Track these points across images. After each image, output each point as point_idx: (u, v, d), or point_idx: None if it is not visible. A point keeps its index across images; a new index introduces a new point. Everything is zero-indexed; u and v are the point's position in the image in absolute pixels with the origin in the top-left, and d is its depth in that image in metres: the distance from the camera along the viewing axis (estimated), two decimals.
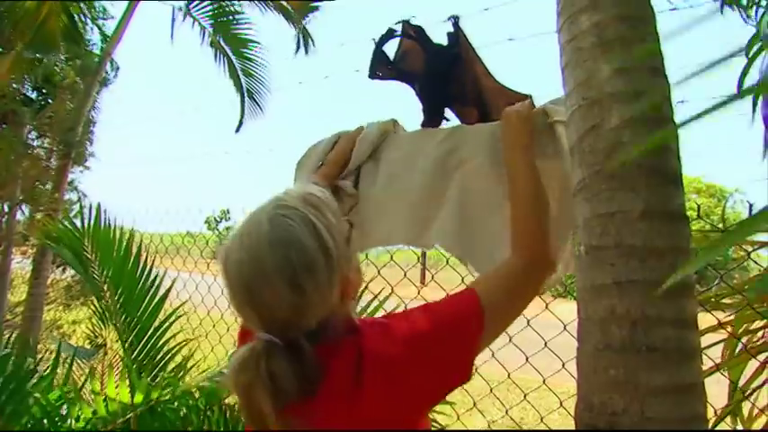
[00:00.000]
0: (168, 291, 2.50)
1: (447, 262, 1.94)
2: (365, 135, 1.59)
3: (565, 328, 1.52)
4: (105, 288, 2.54)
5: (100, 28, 6.46)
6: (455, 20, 1.68)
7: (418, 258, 1.71)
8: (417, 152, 1.51)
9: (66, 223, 2.74)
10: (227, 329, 2.66)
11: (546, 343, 1.69)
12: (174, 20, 4.18)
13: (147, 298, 2.44)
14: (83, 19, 3.99)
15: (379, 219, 1.54)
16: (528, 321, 1.57)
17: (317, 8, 4.14)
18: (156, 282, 2.50)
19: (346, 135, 1.66)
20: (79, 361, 2.73)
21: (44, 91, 5.18)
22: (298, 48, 4.48)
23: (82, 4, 3.91)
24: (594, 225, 0.77)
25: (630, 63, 0.78)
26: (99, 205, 2.71)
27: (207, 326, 3.02)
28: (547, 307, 1.68)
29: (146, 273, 2.52)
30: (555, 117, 1.30)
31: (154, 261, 2.61)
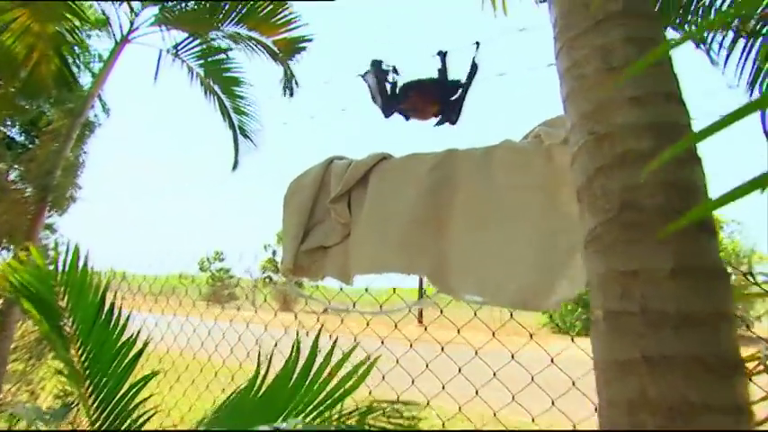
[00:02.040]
0: (142, 350, 2.31)
1: (441, 312, 1.79)
2: (358, 160, 1.57)
3: (552, 361, 1.36)
4: (75, 342, 2.34)
5: (93, 72, 6.48)
6: (442, 55, 1.82)
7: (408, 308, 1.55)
8: (407, 178, 1.45)
9: (38, 266, 2.56)
10: (215, 374, 2.48)
11: (533, 377, 1.50)
12: (159, 62, 4.14)
13: (120, 356, 2.25)
14: (76, 62, 3.94)
15: (367, 243, 1.46)
16: (512, 355, 1.40)
17: (304, 48, 4.12)
18: (131, 337, 2.30)
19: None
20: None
21: (32, 133, 5.11)
22: (285, 90, 4.44)
23: (75, 49, 3.89)
24: (612, 284, 0.63)
25: (644, 90, 0.66)
26: (77, 247, 2.52)
27: (194, 370, 2.81)
28: (531, 337, 1.49)
29: (119, 327, 2.33)
30: (549, 141, 1.25)
31: (131, 310, 2.44)
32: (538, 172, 1.24)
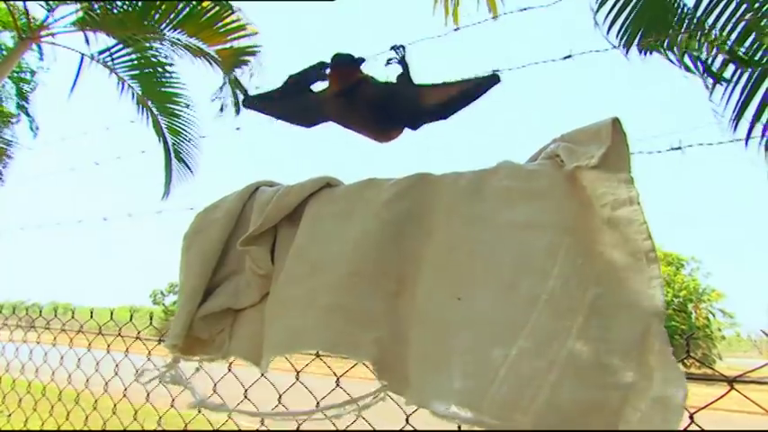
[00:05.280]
0: None
1: None
2: (290, 186, 1.07)
3: None
4: None
5: (16, 83, 5.77)
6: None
7: None
8: (354, 212, 0.96)
9: None
10: None
11: None
12: (80, 68, 3.54)
13: None
14: None
15: (284, 308, 0.92)
16: None
17: (246, 62, 3.61)
18: None
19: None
20: None
21: None
22: (223, 106, 3.88)
23: None
24: None
25: None
26: None
27: None
28: None
29: None
30: (573, 162, 0.78)
31: None
32: (558, 206, 0.78)
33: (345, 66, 1.28)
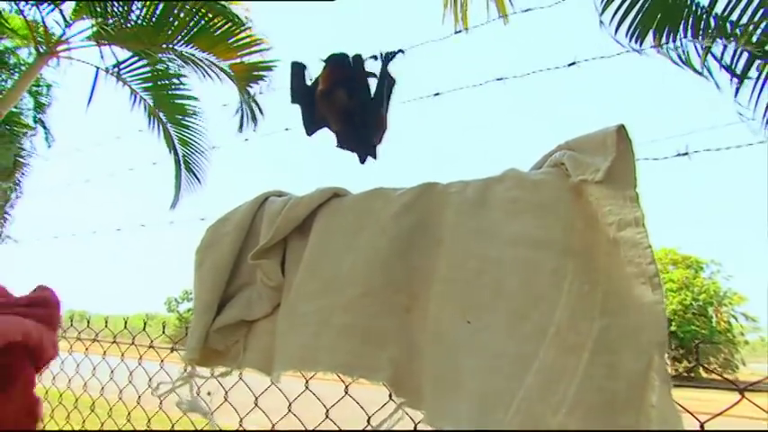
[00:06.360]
0: None
1: None
2: (299, 197, 1.08)
3: None
4: None
5: (34, 96, 5.92)
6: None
7: None
8: (363, 226, 0.96)
9: None
10: None
11: None
12: (95, 81, 3.62)
13: None
14: None
15: (297, 325, 0.93)
16: None
17: (262, 77, 3.65)
18: None
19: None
20: None
21: None
22: (242, 117, 3.92)
23: None
24: None
25: None
26: None
27: None
28: None
29: None
30: (579, 174, 0.77)
31: None
32: (564, 223, 0.78)
33: (331, 65, 1.27)
